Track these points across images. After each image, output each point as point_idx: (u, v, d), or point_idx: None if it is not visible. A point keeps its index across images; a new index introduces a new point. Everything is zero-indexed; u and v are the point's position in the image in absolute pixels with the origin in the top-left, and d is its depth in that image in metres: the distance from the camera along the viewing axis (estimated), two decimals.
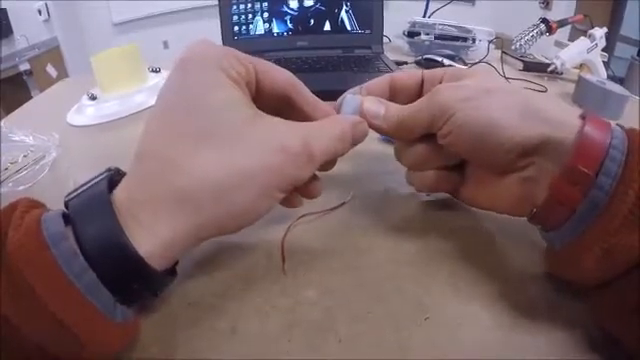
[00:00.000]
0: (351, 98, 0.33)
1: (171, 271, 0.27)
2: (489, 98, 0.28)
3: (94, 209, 0.22)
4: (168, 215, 0.23)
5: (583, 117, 0.26)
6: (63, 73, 2.67)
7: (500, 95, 0.28)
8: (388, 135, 0.33)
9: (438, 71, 0.34)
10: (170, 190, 0.23)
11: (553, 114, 0.26)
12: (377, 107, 0.32)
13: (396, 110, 0.32)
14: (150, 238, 0.22)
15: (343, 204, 0.37)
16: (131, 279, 0.22)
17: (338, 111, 0.32)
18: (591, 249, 0.23)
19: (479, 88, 0.28)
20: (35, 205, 0.24)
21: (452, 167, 0.33)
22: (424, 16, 1.14)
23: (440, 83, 0.33)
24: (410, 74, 0.35)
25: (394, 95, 0.35)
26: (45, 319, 0.19)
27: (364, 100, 0.32)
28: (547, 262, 0.28)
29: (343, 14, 0.84)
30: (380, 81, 0.35)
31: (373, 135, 0.48)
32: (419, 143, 0.32)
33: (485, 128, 0.27)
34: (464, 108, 0.27)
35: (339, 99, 0.33)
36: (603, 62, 0.79)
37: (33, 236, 0.20)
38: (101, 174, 0.25)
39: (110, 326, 0.21)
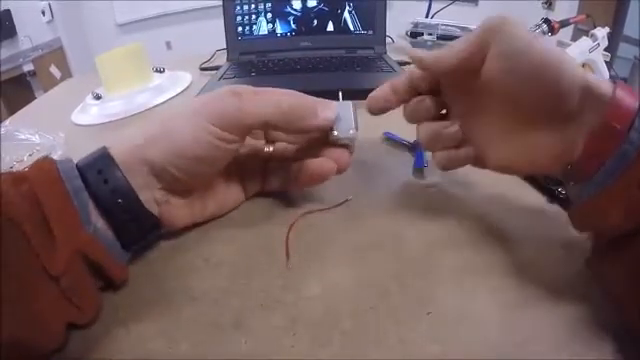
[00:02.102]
0: (342, 106, 0.34)
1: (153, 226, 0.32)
2: (542, 41, 0.27)
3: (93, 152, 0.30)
4: (131, 137, 0.31)
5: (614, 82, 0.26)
6: (67, 74, 2.69)
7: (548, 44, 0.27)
8: (439, 68, 0.32)
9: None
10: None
11: (589, 74, 0.27)
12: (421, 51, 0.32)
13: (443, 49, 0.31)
14: (118, 145, 0.30)
15: (346, 201, 0.38)
16: (108, 180, 0.28)
17: (334, 124, 0.33)
18: (617, 199, 0.24)
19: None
20: None
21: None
22: (427, 16, 1.14)
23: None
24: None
25: (415, 89, 0.34)
26: (32, 206, 0.25)
27: (412, 49, 0.32)
28: (573, 217, 0.29)
29: (346, 15, 0.84)
30: (402, 78, 0.35)
31: (376, 134, 0.48)
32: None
33: (548, 56, 0.26)
34: (524, 36, 0.27)
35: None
36: (606, 62, 0.79)
37: (46, 159, 0.28)
38: None
39: (81, 230, 0.26)
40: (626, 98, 0.25)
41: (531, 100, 0.28)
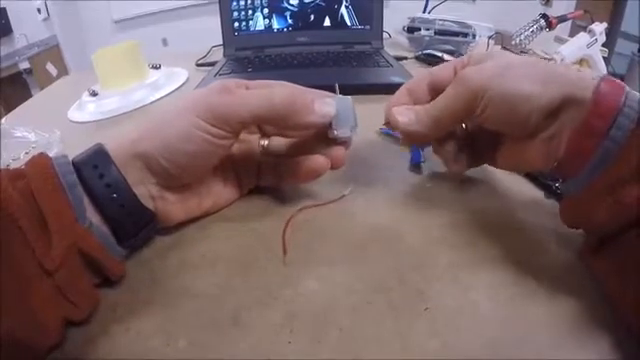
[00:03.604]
0: (340, 101, 0.33)
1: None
2: (512, 71, 0.29)
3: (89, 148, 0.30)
4: (125, 133, 0.31)
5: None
6: (63, 71, 2.67)
7: (521, 67, 0.29)
8: (426, 139, 0.34)
9: (464, 58, 0.34)
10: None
11: (572, 75, 0.28)
12: (407, 115, 0.33)
13: (424, 110, 0.32)
14: (113, 141, 0.31)
15: (342, 197, 0.37)
16: (103, 173, 0.28)
17: (333, 122, 0.33)
18: (601, 196, 0.24)
19: (501, 65, 0.29)
20: None
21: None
22: (424, 12, 1.14)
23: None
24: (443, 67, 0.35)
25: (435, 91, 0.35)
26: (28, 202, 0.25)
27: (394, 113, 0.33)
28: (563, 214, 0.29)
29: (343, 10, 0.84)
30: (419, 80, 0.35)
31: (373, 127, 0.48)
32: (448, 141, 0.34)
33: (514, 99, 0.28)
34: (493, 85, 0.28)
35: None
36: (604, 58, 0.79)
37: (41, 155, 0.28)
38: None
39: (76, 224, 0.26)
40: (609, 95, 0.25)
41: (512, 129, 0.30)
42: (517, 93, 0.28)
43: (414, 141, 0.35)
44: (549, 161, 0.28)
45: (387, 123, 0.35)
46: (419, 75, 0.36)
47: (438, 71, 0.35)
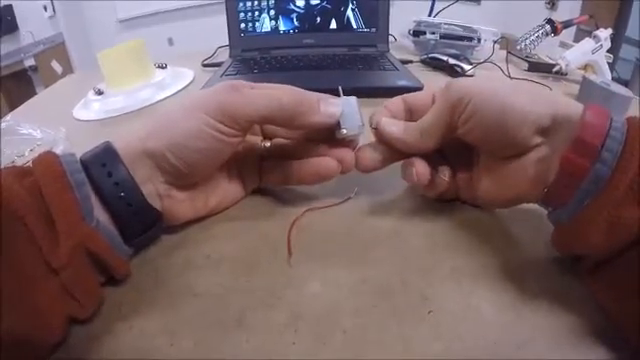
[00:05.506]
0: (345, 101, 0.34)
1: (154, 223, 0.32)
2: (499, 84, 0.29)
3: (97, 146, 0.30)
4: (134, 131, 0.31)
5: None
6: (68, 69, 2.69)
7: (510, 84, 0.30)
8: (412, 151, 0.33)
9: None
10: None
11: (559, 99, 0.28)
12: (396, 125, 0.33)
13: (414, 123, 0.33)
14: (121, 139, 0.30)
15: (348, 199, 0.38)
16: (111, 170, 0.28)
17: (340, 122, 0.33)
18: (596, 221, 0.24)
19: (487, 78, 0.30)
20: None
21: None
22: (429, 15, 1.14)
23: None
24: (421, 93, 0.36)
25: (410, 114, 0.35)
26: (35, 199, 0.25)
27: (383, 122, 0.33)
28: (556, 241, 0.29)
29: (349, 12, 0.84)
30: (395, 100, 0.36)
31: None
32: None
33: (502, 109, 0.28)
34: (480, 93, 0.29)
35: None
36: (608, 63, 0.79)
37: (48, 153, 0.28)
38: None
39: (83, 223, 0.26)
40: (596, 116, 0.26)
41: (500, 145, 0.30)
42: (504, 104, 0.28)
43: (403, 150, 0.34)
44: (538, 187, 0.28)
45: (375, 128, 0.34)
46: (396, 98, 0.36)
47: (414, 95, 0.35)
